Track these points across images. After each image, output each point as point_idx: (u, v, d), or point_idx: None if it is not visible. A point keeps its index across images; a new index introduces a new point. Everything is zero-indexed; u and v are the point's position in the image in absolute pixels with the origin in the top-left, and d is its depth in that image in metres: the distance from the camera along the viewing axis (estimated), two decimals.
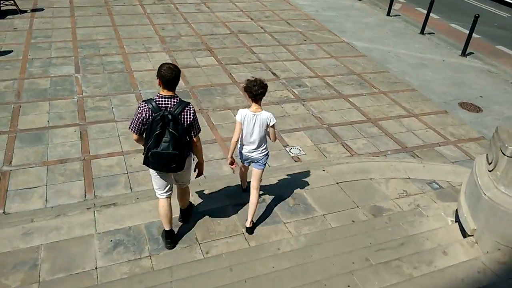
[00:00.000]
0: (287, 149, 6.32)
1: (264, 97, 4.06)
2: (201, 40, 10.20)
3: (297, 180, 5.32)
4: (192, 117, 3.49)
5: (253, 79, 3.89)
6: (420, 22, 12.27)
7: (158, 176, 3.69)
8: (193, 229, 4.33)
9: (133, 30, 10.47)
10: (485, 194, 3.52)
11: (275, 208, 4.77)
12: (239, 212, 4.63)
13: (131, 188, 5.21)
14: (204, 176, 5.52)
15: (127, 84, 7.90)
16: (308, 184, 5.19)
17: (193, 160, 3.88)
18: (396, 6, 13.92)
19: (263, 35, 10.82)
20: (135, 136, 3.58)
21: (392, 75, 9.30)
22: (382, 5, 14.36)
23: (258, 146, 4.02)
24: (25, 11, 11.02)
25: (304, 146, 6.43)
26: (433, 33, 12.18)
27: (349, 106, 7.82)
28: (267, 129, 3.97)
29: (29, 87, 7.47)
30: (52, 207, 4.78)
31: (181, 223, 4.37)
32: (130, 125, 3.54)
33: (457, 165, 6.10)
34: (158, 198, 3.85)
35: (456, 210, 4.13)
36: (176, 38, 10.20)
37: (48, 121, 6.52)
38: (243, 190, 4.94)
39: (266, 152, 4.15)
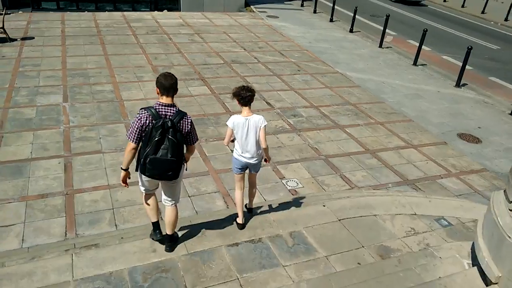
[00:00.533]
0: (284, 181, 6.00)
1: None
2: (194, 70, 10.06)
3: (296, 216, 4.97)
4: (190, 126, 3.58)
5: (241, 85, 4.06)
6: (412, 54, 12.39)
7: (147, 183, 3.75)
8: (181, 273, 3.92)
9: (125, 59, 10.30)
10: (510, 237, 3.19)
11: (272, 248, 4.39)
12: (233, 253, 4.23)
13: (116, 225, 4.80)
14: (196, 212, 5.16)
15: (117, 113, 7.61)
16: (308, 221, 4.84)
17: (185, 170, 3.85)
18: (387, 38, 14.10)
19: (256, 65, 10.73)
20: (132, 145, 3.51)
21: (388, 105, 9.18)
22: (374, 37, 14.54)
23: (257, 152, 4.14)
24: (15, 40, 10.84)
25: (302, 178, 6.12)
26: (426, 64, 12.25)
27: (346, 136, 7.59)
28: (258, 132, 4.06)
29: (13, 117, 7.13)
30: (28, 248, 4.34)
31: (166, 272, 3.89)
32: (128, 134, 3.52)
33: (463, 199, 5.82)
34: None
35: (471, 251, 3.80)
36: (168, 67, 10.04)
37: (31, 152, 6.14)
38: (239, 226, 4.59)
39: (262, 155, 4.27)
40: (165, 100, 3.50)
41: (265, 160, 4.40)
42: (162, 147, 3.35)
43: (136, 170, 3.68)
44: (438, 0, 23.34)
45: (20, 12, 13.75)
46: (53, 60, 9.79)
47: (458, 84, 10.69)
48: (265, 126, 4.07)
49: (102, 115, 7.46)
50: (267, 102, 8.63)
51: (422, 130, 8.14)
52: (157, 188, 3.91)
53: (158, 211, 4.06)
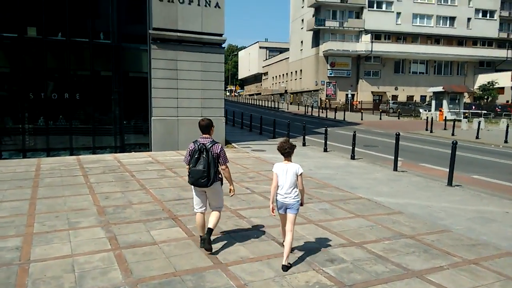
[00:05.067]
0: None
1: None
2: (162, 207, 6.87)
3: None
4: (219, 150, 4.84)
5: (284, 140, 4.82)
6: (434, 176, 10.15)
7: (196, 196, 5.04)
8: None
9: (60, 202, 7.10)
10: None
11: None
12: None
13: None
14: None
15: (8, 286, 4.00)
16: None
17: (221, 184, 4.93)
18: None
19: (251, 196, 7.70)
20: (187, 166, 4.89)
21: (459, 234, 5.99)
22: (380, 163, 12.28)
23: (291, 192, 4.61)
24: None
25: None
26: (460, 185, 9.61)
27: None
28: (296, 178, 4.62)
29: None
30: None
31: None
32: (184, 160, 4.99)
33: None
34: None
35: None
36: (123, 207, 6.84)
37: None
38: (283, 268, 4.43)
39: (298, 199, 4.66)
40: (203, 135, 4.91)
41: (301, 204, 4.74)
42: (198, 162, 4.74)
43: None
44: (424, 132, 22.75)
45: None
46: None
47: None
48: (301, 173, 4.65)
49: None
50: (280, 243, 5.29)
51: None
52: (204, 207, 5.04)
53: (204, 229, 4.99)
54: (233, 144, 15.02)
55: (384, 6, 45.09)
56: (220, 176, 4.92)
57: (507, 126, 19.37)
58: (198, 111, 13.91)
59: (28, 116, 12.50)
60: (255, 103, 56.44)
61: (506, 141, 18.60)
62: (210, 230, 4.93)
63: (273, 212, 4.71)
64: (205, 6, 13.62)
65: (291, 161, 4.71)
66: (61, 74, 12.90)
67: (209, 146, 4.76)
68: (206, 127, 4.85)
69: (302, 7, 49.19)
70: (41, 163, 11.01)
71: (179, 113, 13.72)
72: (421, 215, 6.93)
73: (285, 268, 4.52)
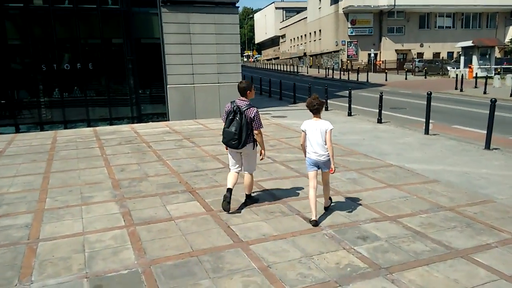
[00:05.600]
0: None
1: None
2: (179, 180, 6.51)
3: None
4: (253, 114, 4.86)
5: (313, 97, 4.67)
6: (469, 138, 9.48)
7: (230, 156, 5.11)
8: None
9: (74, 176, 6.84)
10: None
11: None
12: None
13: None
14: None
15: (11, 270, 3.73)
16: None
17: (257, 152, 5.07)
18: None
19: (272, 166, 7.25)
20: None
21: (505, 205, 5.39)
22: (409, 126, 11.53)
23: (322, 149, 4.58)
24: None
25: None
26: (498, 148, 8.83)
27: (485, 273, 3.63)
28: (325, 134, 4.57)
29: None
30: None
31: None
32: (222, 118, 5.06)
33: None
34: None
35: None
36: (139, 180, 6.52)
37: None
38: (312, 222, 4.61)
39: (329, 156, 4.60)
40: (241, 97, 4.95)
41: (330, 169, 4.65)
42: (231, 124, 4.85)
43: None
44: (454, 91, 21.47)
45: None
46: None
47: None
48: (331, 129, 4.59)
49: None
50: (304, 218, 4.85)
51: None
52: (239, 168, 5.11)
53: (233, 183, 5.04)
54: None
55: None
56: (253, 139, 4.97)
57: None
58: (215, 77, 13.32)
59: (43, 89, 12.24)
60: (273, 68, 55.01)
61: None
62: (247, 196, 5.29)
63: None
64: None
65: (320, 117, 4.66)
66: (72, 43, 12.45)
67: (243, 109, 4.83)
68: (243, 90, 4.92)
69: None
70: (57, 136, 10.82)
71: (195, 80, 13.17)
72: (460, 184, 6.32)
73: (316, 222, 4.62)
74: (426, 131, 10.30)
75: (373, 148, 8.70)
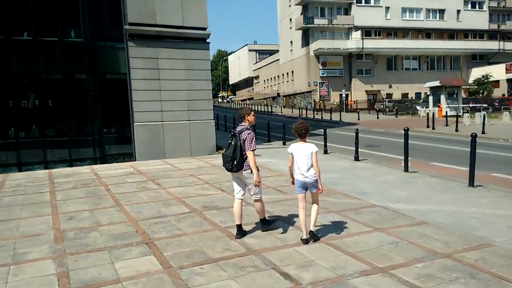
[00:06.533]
0: None
1: None
2: (136, 228, 5.60)
3: None
4: (245, 136, 5.00)
5: (300, 122, 5.05)
6: (450, 176, 9.05)
7: (233, 182, 5.27)
8: None
9: (11, 227, 5.82)
10: None
11: None
12: None
13: None
14: None
15: None
16: None
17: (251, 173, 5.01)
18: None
19: (246, 209, 6.45)
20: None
21: (506, 249, 4.80)
22: (387, 163, 11.12)
23: (309, 171, 4.85)
24: None
25: None
26: (482, 185, 8.43)
27: None
28: (311, 157, 4.84)
29: None
30: None
31: None
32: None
33: None
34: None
35: None
36: (88, 230, 5.57)
37: None
38: (303, 241, 4.85)
39: (316, 178, 4.90)
40: (241, 123, 5.22)
41: (318, 190, 4.93)
42: (229, 147, 5.00)
43: None
44: (426, 129, 21.67)
45: None
46: None
47: None
48: (316, 152, 4.89)
49: None
50: (283, 274, 4.05)
51: None
52: (241, 193, 5.21)
53: (240, 218, 5.18)
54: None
55: (372, 0, 44.25)
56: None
57: None
58: (185, 114, 12.68)
59: None
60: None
61: None
62: (261, 220, 5.45)
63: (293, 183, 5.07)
64: None
65: (306, 141, 4.94)
66: (30, 78, 11.63)
67: (239, 132, 5.02)
68: (241, 116, 5.19)
69: (290, 5, 48.23)
70: (6, 180, 9.69)
71: (164, 117, 12.47)
72: (450, 225, 5.73)
73: (311, 237, 4.92)
74: (406, 169, 9.86)
75: (353, 187, 8.11)
